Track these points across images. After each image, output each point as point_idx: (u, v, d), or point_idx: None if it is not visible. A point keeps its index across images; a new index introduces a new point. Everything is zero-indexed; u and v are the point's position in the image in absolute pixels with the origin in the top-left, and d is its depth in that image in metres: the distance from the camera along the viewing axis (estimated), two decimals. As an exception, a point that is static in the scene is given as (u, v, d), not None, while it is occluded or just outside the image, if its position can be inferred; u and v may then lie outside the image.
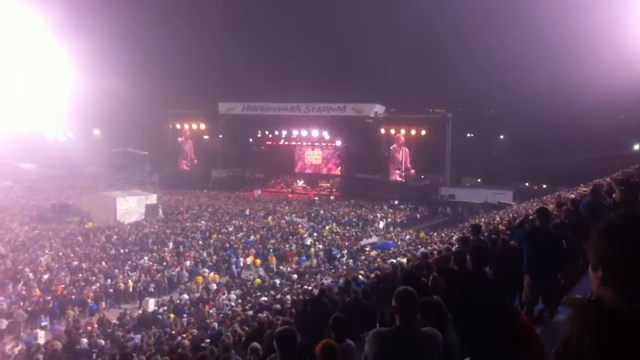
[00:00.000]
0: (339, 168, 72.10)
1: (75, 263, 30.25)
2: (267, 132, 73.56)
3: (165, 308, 24.34)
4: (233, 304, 24.80)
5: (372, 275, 16.81)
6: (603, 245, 1.56)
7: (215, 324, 18.02)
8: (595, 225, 1.63)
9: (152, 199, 49.38)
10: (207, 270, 30.45)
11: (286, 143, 73.84)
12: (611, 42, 46.75)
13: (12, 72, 62.92)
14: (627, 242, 1.49)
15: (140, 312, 23.90)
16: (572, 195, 14.19)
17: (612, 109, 51.77)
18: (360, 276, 16.98)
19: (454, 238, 22.41)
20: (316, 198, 62.00)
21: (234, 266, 31.62)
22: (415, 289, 4.34)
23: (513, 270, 7.43)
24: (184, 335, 17.05)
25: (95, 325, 21.53)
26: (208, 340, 14.48)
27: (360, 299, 9.59)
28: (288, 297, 19.28)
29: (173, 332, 19.24)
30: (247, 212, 49.79)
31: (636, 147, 56.87)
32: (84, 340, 19.08)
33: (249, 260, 33.55)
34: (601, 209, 8.34)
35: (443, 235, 32.41)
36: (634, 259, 1.47)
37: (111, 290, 26.73)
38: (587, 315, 1.43)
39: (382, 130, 65.30)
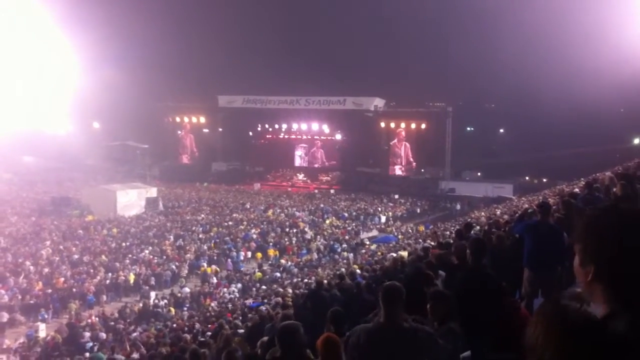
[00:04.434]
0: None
1: (76, 256, 30.29)
2: (267, 126, 73.54)
3: (166, 301, 24.41)
4: (234, 296, 24.94)
5: (370, 268, 16.85)
6: (594, 241, 1.53)
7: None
8: (582, 219, 1.62)
9: (153, 192, 49.32)
10: (205, 264, 30.50)
11: (286, 136, 73.68)
12: (612, 34, 46.65)
13: (13, 66, 62.86)
14: (619, 236, 1.47)
15: (141, 305, 23.94)
16: (577, 190, 14.23)
17: (612, 102, 51.72)
18: (358, 270, 16.98)
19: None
20: (316, 192, 62.00)
21: (229, 260, 31.71)
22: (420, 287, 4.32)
23: (512, 264, 7.45)
24: (186, 329, 17.12)
25: (97, 319, 21.58)
26: (209, 334, 14.53)
27: (363, 293, 9.60)
28: (289, 290, 19.31)
29: (174, 325, 19.30)
30: (248, 205, 49.80)
31: (636, 141, 56.79)
32: (87, 334, 19.14)
33: (250, 253, 33.65)
34: (597, 203, 8.36)
35: (442, 229, 32.42)
36: (626, 254, 1.45)
37: (108, 282, 26.77)
38: (554, 322, 1.39)
39: (382, 124, 65.23)
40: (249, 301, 21.55)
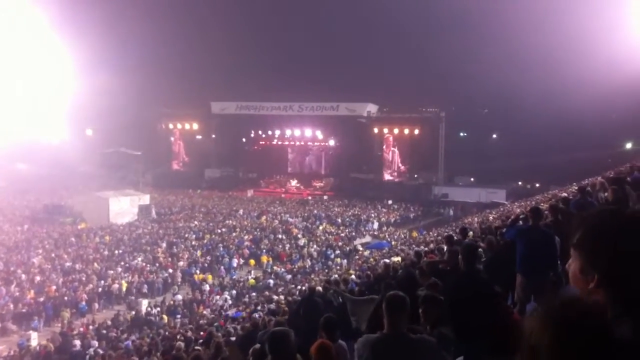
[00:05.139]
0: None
1: (68, 264, 30.14)
2: (260, 132, 73.38)
3: (159, 309, 24.29)
4: (227, 304, 24.87)
5: (362, 274, 16.89)
6: (598, 246, 1.49)
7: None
8: (582, 224, 1.58)
9: (145, 199, 49.19)
10: (198, 272, 30.43)
11: (279, 143, 73.59)
12: (604, 40, 46.83)
13: (7, 73, 62.64)
14: (626, 240, 1.43)
15: (133, 313, 23.83)
16: (564, 194, 14.30)
17: (604, 108, 51.84)
18: (353, 276, 16.99)
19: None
20: (309, 198, 61.90)
21: (222, 267, 31.65)
22: (411, 291, 4.29)
23: (505, 269, 7.42)
24: (178, 337, 17.03)
25: (90, 327, 21.46)
26: (201, 341, 14.46)
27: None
28: (282, 297, 19.26)
29: (167, 333, 19.20)
30: (241, 212, 49.68)
31: (628, 145, 57.01)
32: (78, 342, 19.01)
33: (242, 260, 33.59)
34: (589, 208, 8.37)
35: (436, 234, 32.44)
36: (632, 258, 1.41)
37: (100, 290, 26.64)
38: (549, 316, 1.34)
39: (375, 130, 65.14)
40: (232, 312, 21.52)
